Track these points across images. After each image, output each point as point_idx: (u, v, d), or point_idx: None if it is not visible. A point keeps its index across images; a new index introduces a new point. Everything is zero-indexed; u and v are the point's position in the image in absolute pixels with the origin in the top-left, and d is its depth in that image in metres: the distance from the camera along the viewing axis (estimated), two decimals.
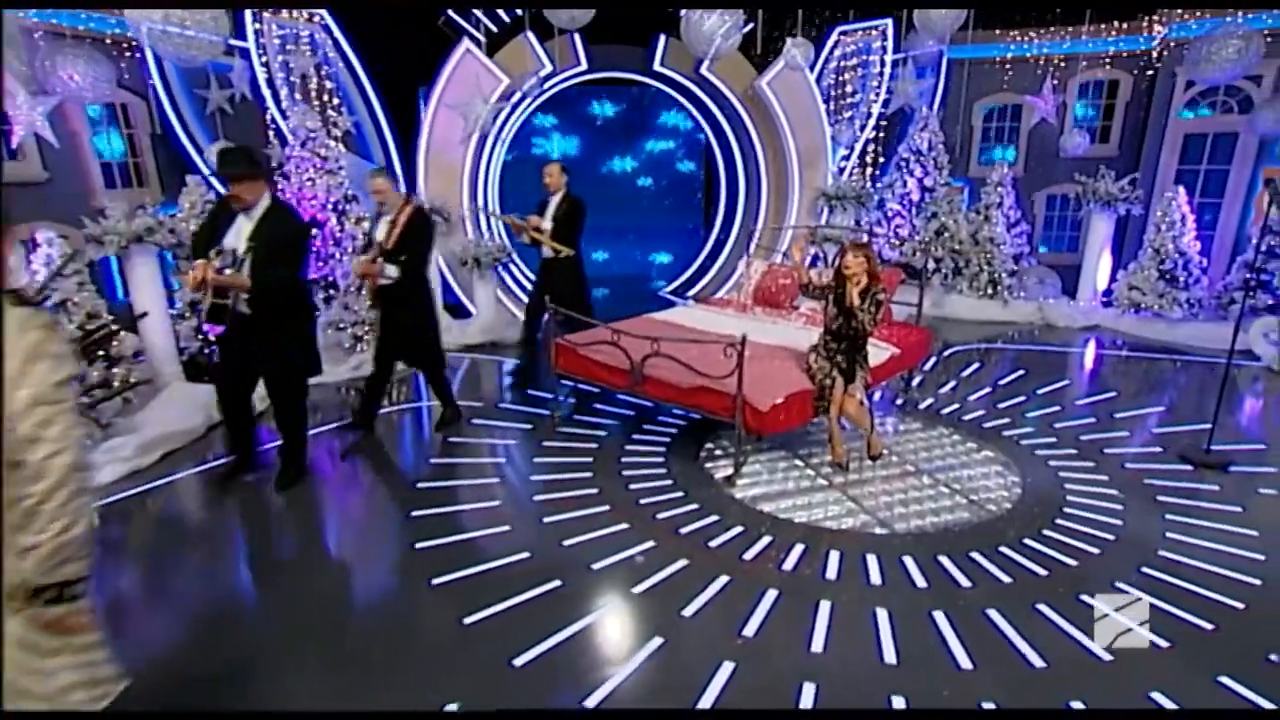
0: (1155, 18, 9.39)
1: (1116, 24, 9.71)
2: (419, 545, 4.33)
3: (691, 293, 10.63)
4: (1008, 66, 10.40)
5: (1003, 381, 7.10)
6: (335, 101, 8.06)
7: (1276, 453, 5.57)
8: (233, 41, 7.36)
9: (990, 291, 9.43)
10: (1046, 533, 4.44)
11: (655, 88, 10.20)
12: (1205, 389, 7.09)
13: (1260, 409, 6.70)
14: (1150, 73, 9.61)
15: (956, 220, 9.67)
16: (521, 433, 5.95)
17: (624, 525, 4.55)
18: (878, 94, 10.29)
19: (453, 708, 3.07)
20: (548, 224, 6.62)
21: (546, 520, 4.61)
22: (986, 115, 10.82)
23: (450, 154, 8.52)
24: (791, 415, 5.00)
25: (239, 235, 4.33)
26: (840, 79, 10.23)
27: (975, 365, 7.61)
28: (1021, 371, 7.39)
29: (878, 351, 5.68)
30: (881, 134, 10.66)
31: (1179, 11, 9.02)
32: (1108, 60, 9.92)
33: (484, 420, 6.27)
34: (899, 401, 6.51)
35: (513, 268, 9.91)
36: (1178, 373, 7.61)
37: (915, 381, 6.89)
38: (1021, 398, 6.62)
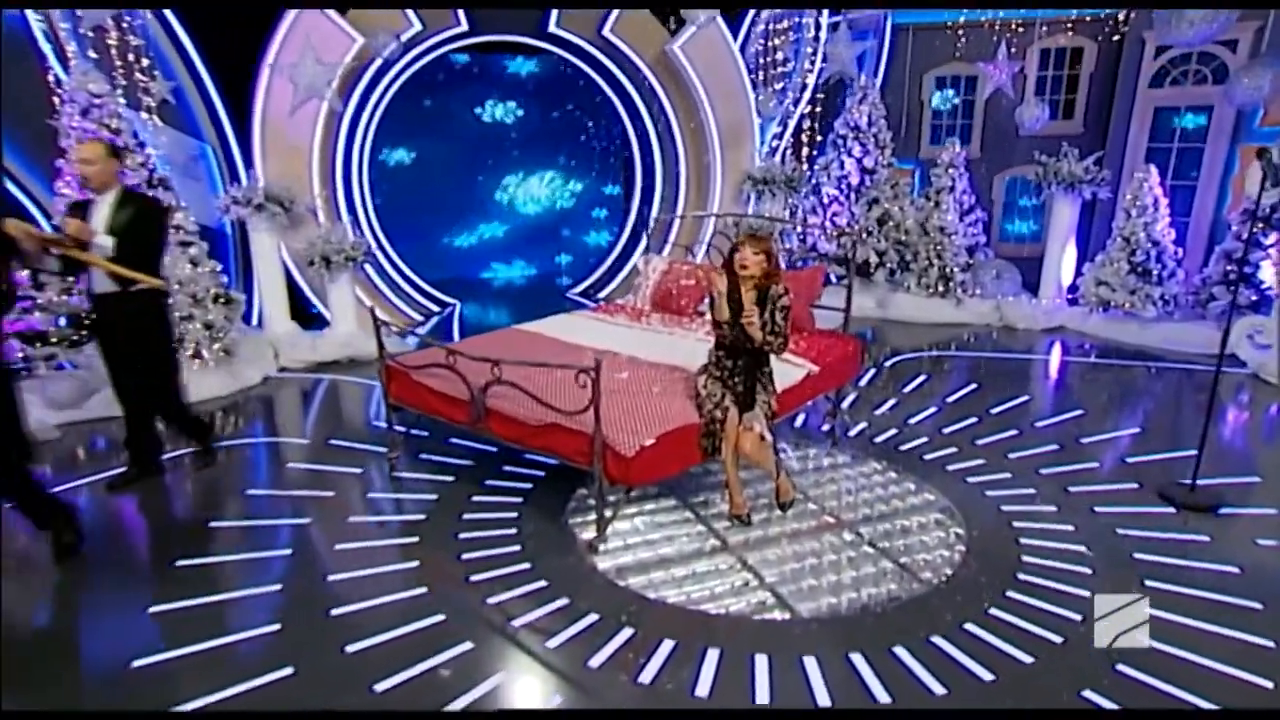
0: None
1: None
2: (139, 663, 3.29)
3: (603, 294, 9.70)
4: (960, 33, 9.64)
5: (952, 398, 6.33)
6: (145, 62, 6.88)
7: (1273, 486, 4.80)
8: None
9: (941, 289, 8.74)
10: (994, 613, 3.58)
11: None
12: (1184, 403, 6.40)
13: (1247, 428, 5.98)
14: (1116, 39, 8.93)
15: (902, 207, 8.89)
16: (346, 480, 4.95)
17: (439, 617, 3.59)
18: (812, 62, 9.46)
19: None
20: (105, 238, 4.23)
21: (335, 613, 3.62)
22: (938, 88, 10.05)
23: (294, 131, 7.43)
24: (668, 460, 4.08)
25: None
26: (769, 44, 9.35)
27: (921, 377, 6.85)
28: (974, 385, 6.63)
29: (789, 371, 4.79)
30: (818, 109, 9.85)
31: None
32: (1069, 25, 9.22)
33: (305, 464, 5.26)
34: (825, 428, 5.63)
35: (389, 266, 8.91)
36: (1152, 382, 6.92)
37: (847, 401, 6.03)
38: (973, 419, 5.84)
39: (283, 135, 7.39)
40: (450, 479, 4.93)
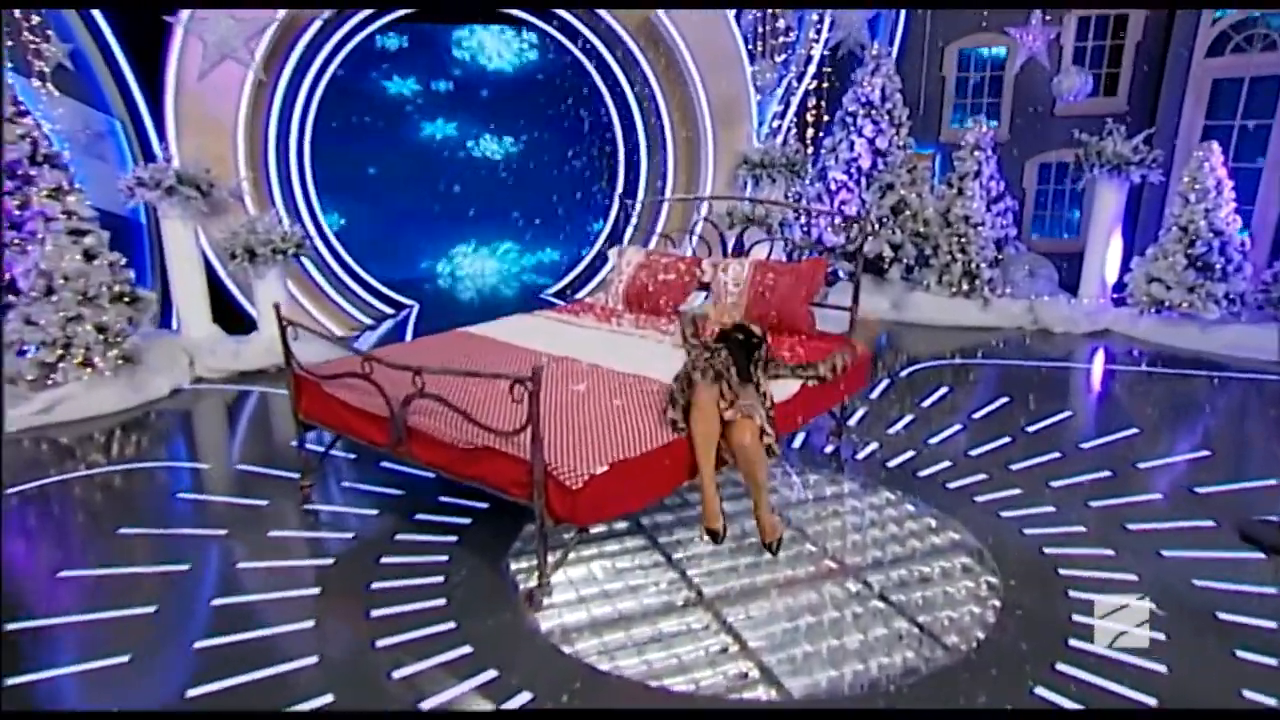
0: None
1: None
2: None
3: (583, 293, 9.17)
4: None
5: (980, 414, 5.79)
6: (35, 19, 6.33)
7: None
8: None
9: (965, 288, 8.26)
10: (1041, 693, 2.99)
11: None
12: (1258, 420, 5.86)
13: None
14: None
15: (920, 194, 8.43)
16: (247, 515, 4.40)
17: (326, 698, 3.02)
18: (818, 30, 8.99)
19: None
20: None
21: (191, 694, 3.03)
22: (962, 63, 9.55)
23: (215, 102, 6.93)
24: (629, 492, 3.51)
25: None
26: (769, 10, 8.85)
27: (943, 390, 6.31)
28: (1006, 398, 6.08)
29: (783, 381, 4.23)
30: (825, 83, 9.36)
31: None
32: None
33: (201, 494, 4.71)
34: (828, 449, 5.10)
35: (332, 259, 8.43)
36: (1217, 395, 6.37)
37: (854, 418, 5.50)
38: (1005, 439, 5.29)
39: (201, 107, 6.88)
40: (373, 512, 4.40)
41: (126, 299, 6.15)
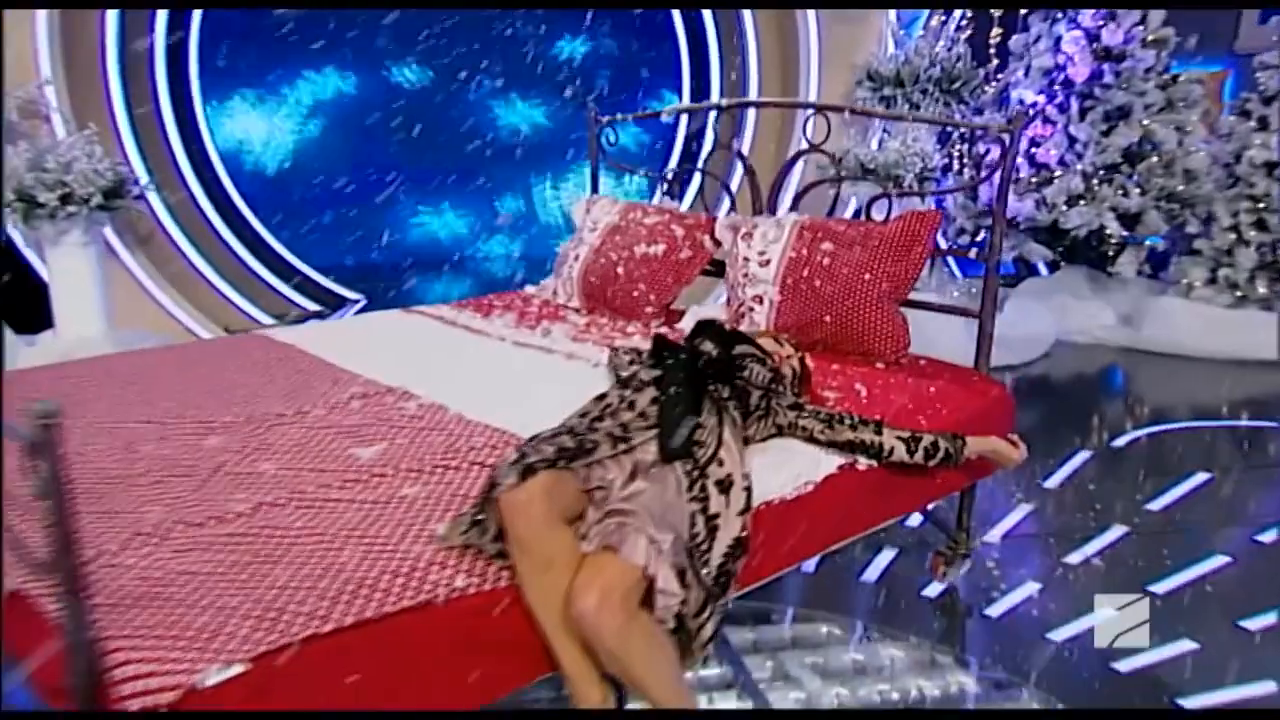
0: None
1: None
2: None
3: None
4: None
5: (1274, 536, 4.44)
6: None
7: None
8: None
9: (1263, 292, 7.46)
10: None
11: None
12: None
13: None
14: None
15: (1184, 129, 7.61)
16: None
17: None
18: None
19: None
20: None
21: None
22: None
23: None
24: None
25: None
26: None
27: (1198, 479, 5.07)
28: None
29: (810, 455, 2.83)
30: None
31: None
32: None
33: None
34: (927, 590, 3.84)
35: (225, 226, 7.87)
36: None
37: (997, 531, 4.33)
38: None
39: None
40: None
41: None
